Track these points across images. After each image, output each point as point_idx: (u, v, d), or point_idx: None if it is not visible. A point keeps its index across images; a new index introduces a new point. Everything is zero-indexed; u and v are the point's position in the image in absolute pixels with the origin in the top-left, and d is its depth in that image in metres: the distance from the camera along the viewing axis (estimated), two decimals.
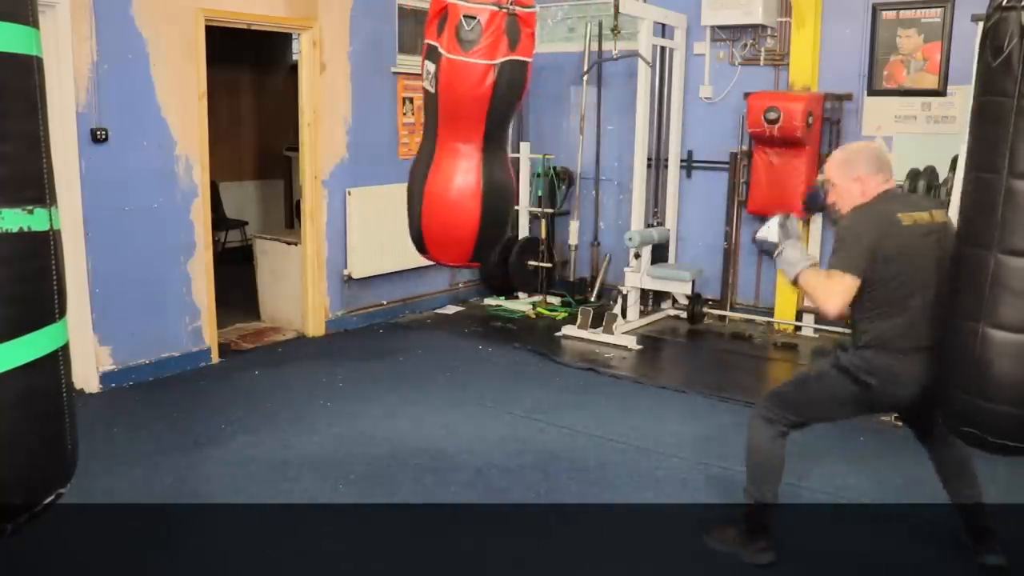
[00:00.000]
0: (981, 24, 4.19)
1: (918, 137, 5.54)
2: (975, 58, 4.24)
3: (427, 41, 3.96)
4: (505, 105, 4.03)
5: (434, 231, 4.12)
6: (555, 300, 6.78)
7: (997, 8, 2.41)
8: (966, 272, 2.51)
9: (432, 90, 3.96)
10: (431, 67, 3.92)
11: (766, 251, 2.95)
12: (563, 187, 6.90)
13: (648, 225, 6.34)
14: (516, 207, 4.66)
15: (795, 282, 2.83)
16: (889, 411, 2.92)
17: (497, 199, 4.19)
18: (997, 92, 2.39)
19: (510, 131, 4.28)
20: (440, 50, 3.89)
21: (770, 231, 2.91)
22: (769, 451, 2.93)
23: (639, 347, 5.64)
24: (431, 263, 6.58)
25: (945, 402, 2.65)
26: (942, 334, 2.64)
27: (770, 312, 6.16)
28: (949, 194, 4.40)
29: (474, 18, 3.78)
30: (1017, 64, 2.32)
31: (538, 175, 6.85)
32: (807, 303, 6.03)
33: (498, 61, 3.89)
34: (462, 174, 4.06)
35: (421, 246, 4.22)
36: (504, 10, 3.76)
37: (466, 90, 3.86)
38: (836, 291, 2.69)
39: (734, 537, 3.02)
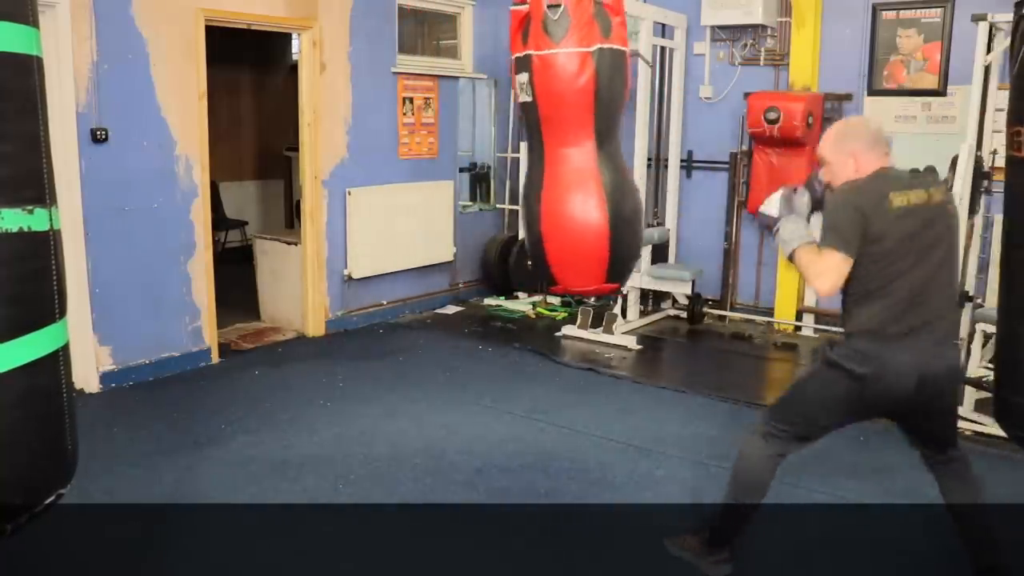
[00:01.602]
0: (981, 24, 4.21)
1: (918, 137, 5.54)
2: (975, 58, 4.26)
3: (513, 56, 3.73)
4: (611, 96, 3.68)
5: (562, 257, 3.72)
6: (555, 300, 6.78)
7: None
8: None
9: (529, 98, 3.66)
10: (523, 76, 3.67)
11: (765, 225, 2.84)
12: None
13: (648, 225, 6.33)
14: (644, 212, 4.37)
15: (791, 259, 2.70)
16: (888, 410, 2.73)
17: (624, 204, 3.75)
18: None
19: (620, 132, 3.90)
20: (531, 53, 3.62)
21: (771, 204, 2.81)
22: (758, 469, 2.77)
23: (639, 347, 5.64)
24: (431, 263, 6.63)
25: (1009, 412, 2.60)
26: (943, 321, 2.58)
27: (770, 312, 6.16)
28: (949, 193, 4.39)
29: (559, 5, 3.54)
30: None
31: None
32: (807, 303, 6.04)
33: (594, 48, 3.60)
34: (579, 183, 3.66)
35: (549, 276, 3.79)
36: None
37: (566, 85, 3.56)
38: (827, 269, 2.55)
39: (695, 545, 2.95)
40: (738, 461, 2.82)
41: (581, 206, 3.64)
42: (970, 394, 4.25)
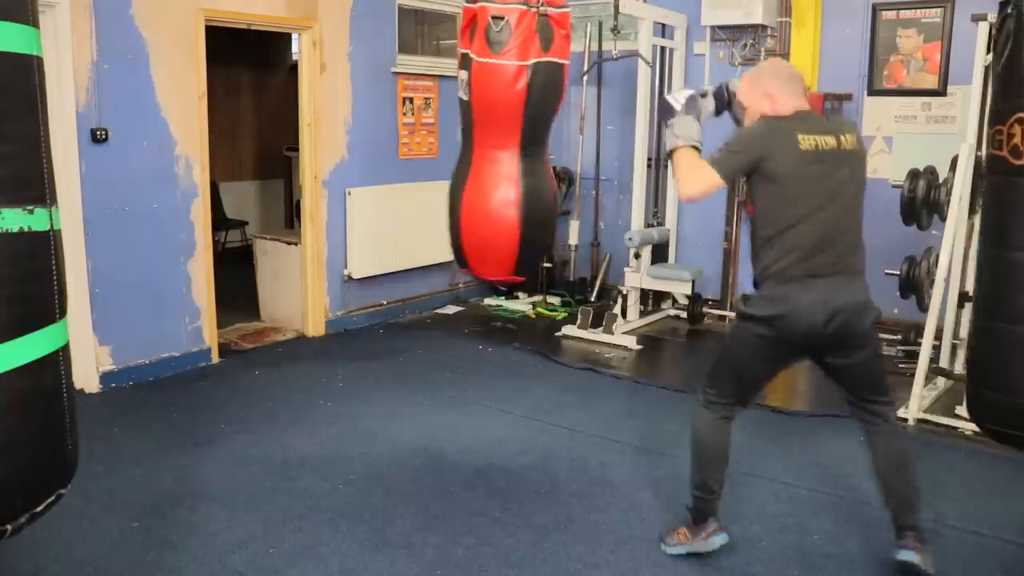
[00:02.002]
0: (981, 24, 4.21)
1: (918, 137, 5.54)
2: (975, 58, 4.27)
3: (460, 50, 3.88)
4: (541, 109, 3.90)
5: (474, 244, 3.98)
6: (555, 300, 6.78)
7: None
8: (1005, 276, 2.49)
9: (466, 97, 3.84)
10: (464, 74, 3.83)
11: (663, 112, 2.87)
12: (563, 187, 6.89)
13: (648, 225, 6.33)
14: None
15: (670, 154, 2.77)
16: (804, 349, 2.74)
17: (538, 208, 4.01)
18: None
19: (550, 137, 4.09)
20: (471, 55, 3.78)
21: (678, 98, 2.84)
22: (711, 437, 2.88)
23: (639, 347, 5.64)
24: (431, 263, 6.63)
25: (980, 404, 2.62)
26: (849, 261, 2.65)
27: None
28: (949, 194, 4.40)
29: (502, 18, 3.68)
30: None
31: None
32: None
33: (531, 62, 3.78)
34: (500, 183, 3.92)
35: (462, 259, 4.08)
36: (534, 10, 3.67)
37: (499, 93, 3.75)
38: (698, 180, 2.64)
39: (684, 535, 3.00)
40: (692, 435, 2.92)
41: (498, 205, 3.89)
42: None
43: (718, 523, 2.98)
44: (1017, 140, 2.48)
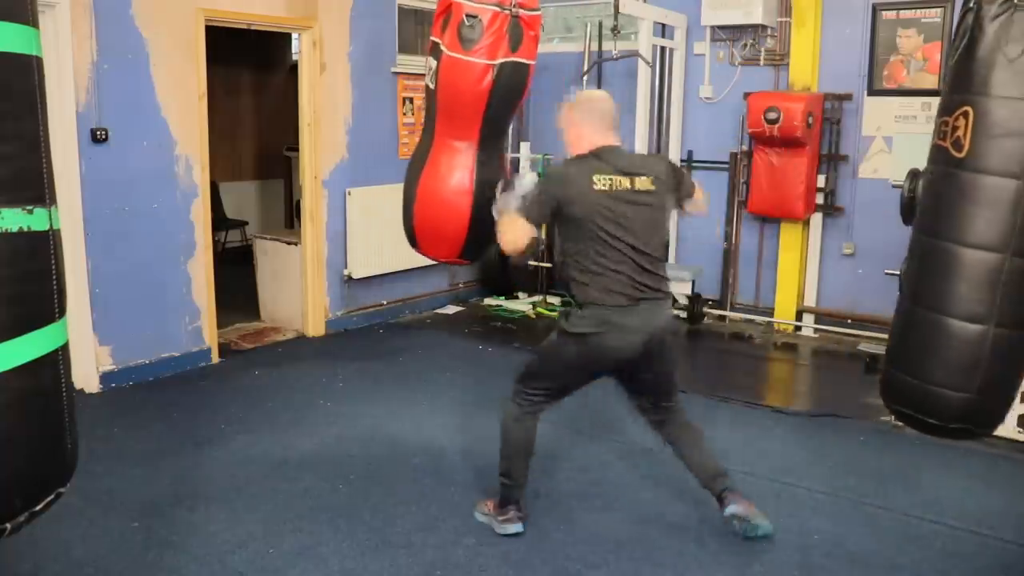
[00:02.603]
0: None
1: (918, 137, 5.53)
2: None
3: (431, 38, 3.96)
4: (503, 106, 4.05)
5: (425, 226, 4.14)
6: (555, 300, 6.78)
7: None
8: (932, 264, 2.54)
9: (432, 86, 3.96)
10: (433, 63, 3.93)
11: (504, 191, 3.15)
12: None
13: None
14: None
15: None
16: (617, 367, 3.00)
17: (489, 198, 4.22)
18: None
19: (508, 132, 4.29)
20: (442, 47, 3.89)
21: (522, 183, 3.11)
22: (517, 430, 3.08)
23: None
24: (431, 263, 6.62)
25: (893, 387, 2.69)
26: (657, 287, 2.92)
27: (770, 312, 6.16)
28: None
29: (476, 17, 3.78)
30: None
31: (538, 175, 6.84)
32: (806, 303, 6.04)
33: (498, 62, 3.90)
34: (456, 171, 4.06)
35: (412, 239, 4.23)
36: (507, 11, 3.76)
37: (464, 88, 3.86)
38: (509, 229, 2.91)
39: (489, 508, 3.22)
40: (502, 427, 3.11)
41: (452, 193, 4.03)
42: None
43: (519, 512, 3.16)
44: (960, 133, 2.52)
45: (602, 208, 2.83)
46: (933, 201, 2.73)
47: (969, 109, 2.50)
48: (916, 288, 2.78)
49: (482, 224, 4.26)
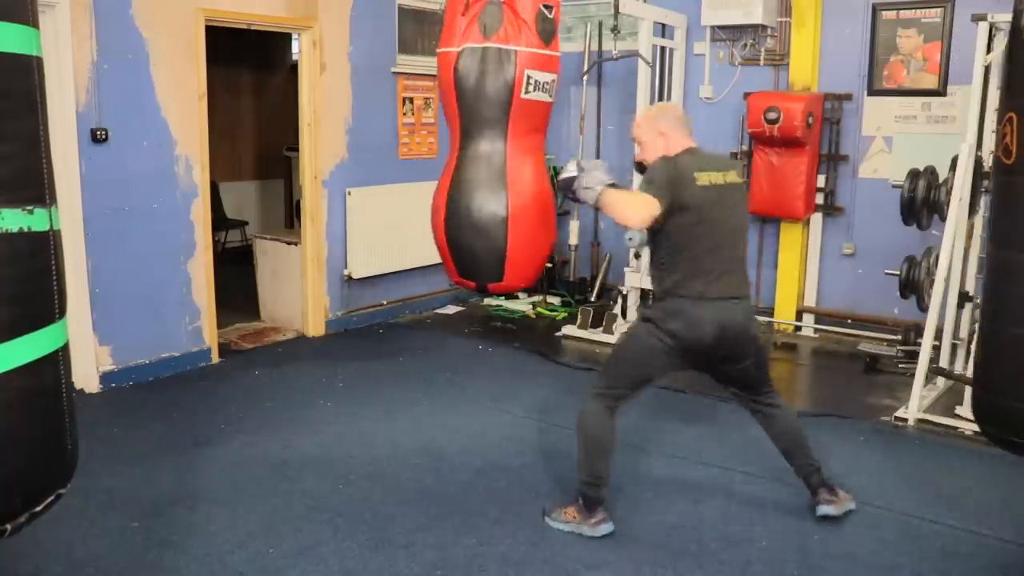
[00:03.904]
0: (981, 24, 4.21)
1: (918, 137, 5.54)
2: (975, 58, 4.27)
3: (549, 52, 4.08)
4: (474, 98, 4.15)
5: (524, 248, 4.10)
6: (555, 300, 6.78)
7: None
8: (999, 276, 2.49)
9: (551, 98, 4.10)
10: (555, 76, 4.08)
11: (569, 189, 3.02)
12: None
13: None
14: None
15: (596, 203, 2.95)
16: (697, 360, 3.09)
17: (462, 206, 4.19)
18: None
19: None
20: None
21: (570, 170, 3.04)
22: (598, 428, 3.08)
23: None
24: (431, 263, 6.63)
25: (987, 412, 2.62)
26: (738, 280, 3.05)
27: (770, 312, 6.16)
28: (949, 194, 4.40)
29: (551, 7, 3.97)
30: None
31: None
32: (806, 303, 6.04)
33: (462, 48, 4.07)
34: (445, 175, 4.20)
35: (495, 271, 4.12)
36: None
37: (440, 79, 4.18)
38: (640, 204, 2.88)
39: (572, 515, 3.17)
40: (582, 425, 3.12)
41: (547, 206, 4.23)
42: (969, 394, 4.24)
43: (606, 512, 3.15)
44: (1008, 140, 2.49)
45: (704, 202, 2.96)
46: (995, 212, 2.69)
47: (1013, 115, 2.46)
48: (991, 303, 2.71)
49: (461, 239, 4.15)
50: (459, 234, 4.10)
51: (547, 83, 4.06)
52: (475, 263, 4.14)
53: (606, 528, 3.13)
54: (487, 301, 6.86)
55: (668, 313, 3.00)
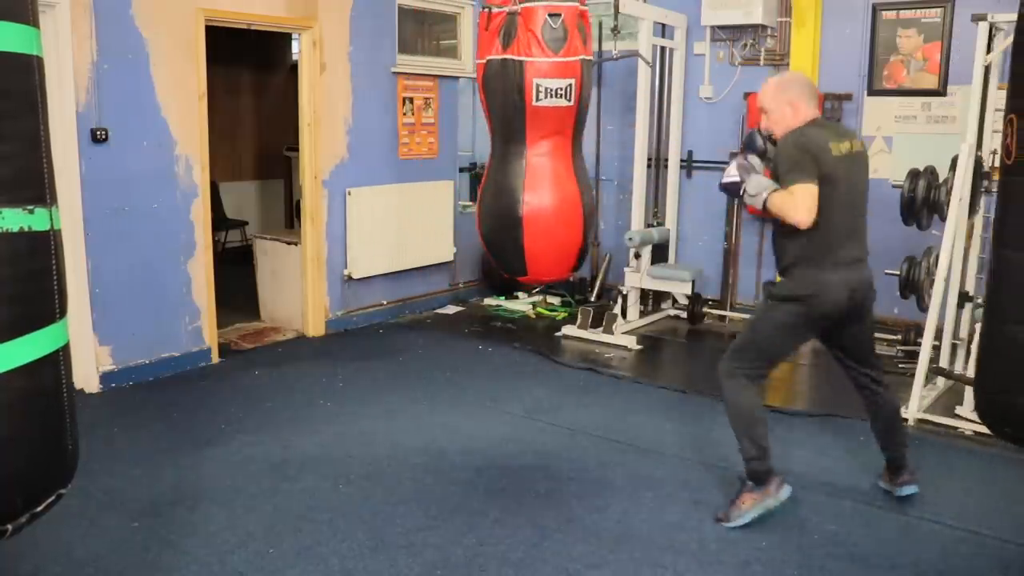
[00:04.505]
0: (981, 24, 4.20)
1: (918, 137, 5.54)
2: (975, 58, 4.26)
3: (580, 58, 4.13)
4: (491, 107, 4.62)
5: (557, 244, 4.56)
6: (555, 300, 6.78)
7: None
8: (998, 274, 2.50)
9: (571, 101, 4.30)
10: (570, 82, 4.19)
11: (733, 192, 3.18)
12: None
13: (648, 225, 6.33)
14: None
15: (764, 207, 3.05)
16: (829, 323, 3.17)
17: (489, 206, 4.95)
18: None
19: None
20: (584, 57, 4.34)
21: (731, 173, 3.16)
22: (748, 404, 3.16)
23: (639, 347, 5.64)
24: (431, 263, 6.65)
25: (1001, 411, 2.63)
26: (862, 245, 3.13)
27: None
28: (949, 194, 4.40)
29: (559, 15, 4.05)
30: None
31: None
32: None
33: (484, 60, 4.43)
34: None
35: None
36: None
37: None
38: (802, 201, 2.93)
39: (751, 499, 3.21)
40: (730, 407, 3.19)
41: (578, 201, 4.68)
42: (970, 394, 4.25)
43: (778, 476, 3.23)
44: (1008, 140, 2.50)
45: (840, 171, 3.01)
46: (998, 212, 2.70)
47: (1014, 117, 2.48)
48: (993, 303, 2.72)
49: (492, 238, 4.65)
50: (487, 230, 4.51)
51: (561, 89, 4.17)
52: (503, 256, 4.54)
53: (787, 490, 3.24)
54: (487, 301, 6.86)
55: (803, 284, 3.05)
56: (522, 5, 4.08)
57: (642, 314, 6.33)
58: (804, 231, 2.98)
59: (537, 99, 4.17)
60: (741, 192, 3.13)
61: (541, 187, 4.33)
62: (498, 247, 4.51)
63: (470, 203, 7.17)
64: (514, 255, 4.39)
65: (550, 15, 4.07)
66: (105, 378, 4.63)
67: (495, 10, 4.18)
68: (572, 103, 4.25)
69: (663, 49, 6.30)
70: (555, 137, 4.32)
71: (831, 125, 3.17)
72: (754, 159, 3.22)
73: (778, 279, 3.26)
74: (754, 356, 3.18)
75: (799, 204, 2.94)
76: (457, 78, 6.64)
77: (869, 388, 3.35)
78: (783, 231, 3.09)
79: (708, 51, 6.27)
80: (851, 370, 3.35)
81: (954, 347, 4.61)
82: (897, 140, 5.64)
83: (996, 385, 2.62)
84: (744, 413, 3.16)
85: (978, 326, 4.42)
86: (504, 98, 4.23)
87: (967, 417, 4.18)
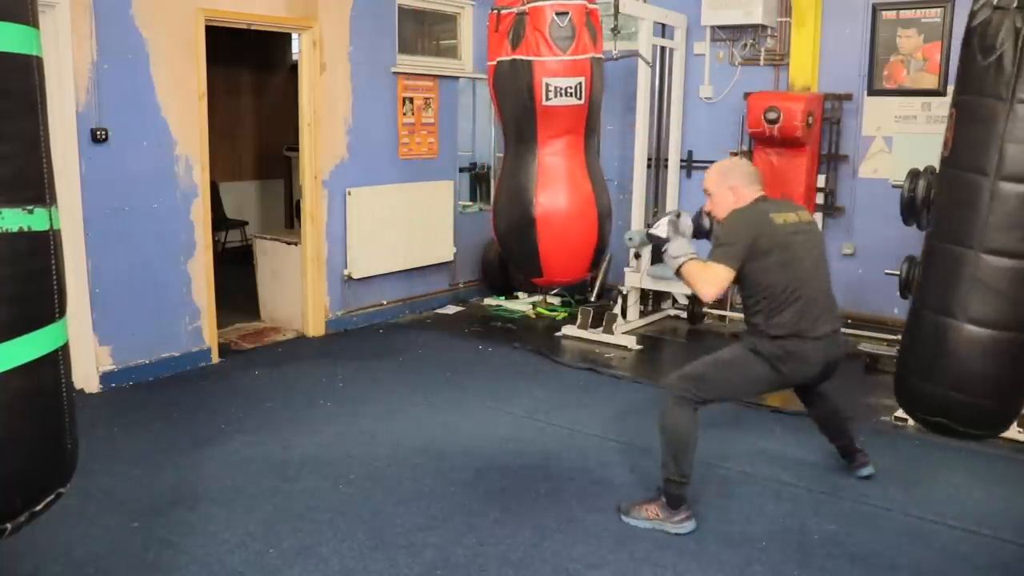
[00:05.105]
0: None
1: (918, 137, 5.54)
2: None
3: (591, 55, 4.13)
4: (502, 106, 4.44)
5: (570, 246, 4.44)
6: (555, 300, 6.78)
7: (986, 6, 2.43)
8: (940, 267, 2.54)
9: (583, 100, 4.22)
10: (580, 80, 4.16)
11: (656, 245, 3.34)
12: None
13: (648, 225, 6.32)
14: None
15: (678, 272, 3.18)
16: (794, 386, 3.41)
17: (502, 209, 4.68)
18: (987, 93, 2.40)
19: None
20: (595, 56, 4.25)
21: (661, 228, 3.31)
22: (687, 428, 3.15)
23: (639, 347, 5.64)
24: (431, 263, 6.64)
25: (911, 393, 2.69)
26: (834, 313, 3.23)
27: None
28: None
29: (566, 13, 4.08)
30: (1011, 67, 2.33)
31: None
32: None
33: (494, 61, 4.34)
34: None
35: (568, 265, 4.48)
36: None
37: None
38: (711, 279, 3.07)
39: (656, 512, 3.20)
40: (669, 426, 3.18)
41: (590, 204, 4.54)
42: None
43: (689, 511, 3.21)
44: (949, 133, 2.56)
45: (786, 240, 3.13)
46: (935, 201, 2.75)
47: (954, 110, 2.53)
48: (919, 290, 2.78)
49: (506, 239, 4.53)
50: (502, 232, 4.48)
51: (571, 88, 4.16)
52: (519, 258, 4.50)
53: (690, 525, 3.17)
54: (487, 301, 6.86)
55: (785, 352, 3.12)
56: (530, 5, 4.07)
57: (642, 314, 6.33)
58: (774, 308, 3.10)
59: (547, 98, 4.15)
60: (664, 249, 3.27)
61: (554, 187, 4.30)
62: (513, 249, 4.49)
63: (470, 203, 7.17)
64: (529, 257, 4.38)
65: (557, 14, 4.06)
66: (105, 378, 4.63)
67: (504, 11, 4.17)
68: (583, 101, 4.21)
69: (663, 49, 6.30)
70: (567, 136, 4.31)
71: (775, 201, 3.34)
72: (686, 221, 3.35)
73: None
74: (713, 393, 3.21)
75: (711, 279, 3.07)
76: (457, 78, 6.64)
77: (817, 395, 3.54)
78: (751, 302, 3.19)
79: (708, 51, 6.27)
80: (806, 390, 3.53)
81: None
82: (897, 140, 5.64)
83: (908, 369, 2.68)
84: (682, 438, 3.15)
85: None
86: (515, 99, 4.22)
87: None
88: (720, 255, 3.08)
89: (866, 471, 3.58)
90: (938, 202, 2.69)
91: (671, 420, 3.16)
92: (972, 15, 2.50)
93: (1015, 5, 2.35)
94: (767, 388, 3.36)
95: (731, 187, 3.26)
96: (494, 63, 4.30)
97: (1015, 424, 4.00)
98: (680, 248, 3.19)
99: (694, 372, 3.23)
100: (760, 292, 3.13)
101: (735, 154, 6.10)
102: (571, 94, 4.19)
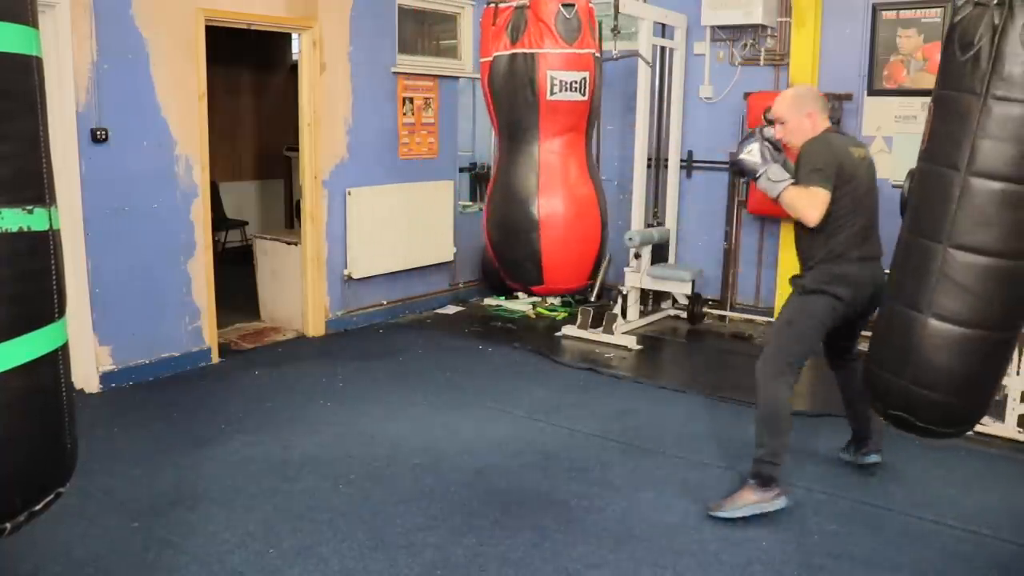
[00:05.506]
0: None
1: (918, 137, 5.50)
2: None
3: (592, 51, 4.09)
4: (498, 102, 4.32)
5: (573, 248, 4.33)
6: (555, 300, 6.78)
7: (968, 2, 2.44)
8: (912, 262, 2.54)
9: (586, 96, 4.13)
10: (584, 75, 4.10)
11: (745, 171, 3.30)
12: None
13: (648, 225, 6.33)
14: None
15: (777, 197, 3.19)
16: (851, 314, 3.32)
17: (498, 212, 4.48)
18: (963, 88, 2.40)
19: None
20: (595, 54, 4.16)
21: (752, 153, 3.26)
22: (786, 404, 3.23)
23: (639, 347, 5.64)
24: (431, 263, 6.64)
25: (876, 385, 2.69)
26: (879, 244, 3.28)
27: (770, 312, 6.16)
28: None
29: (572, 5, 4.03)
30: (986, 62, 2.33)
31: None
32: None
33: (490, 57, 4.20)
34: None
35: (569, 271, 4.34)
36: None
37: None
38: (815, 202, 3.11)
39: (751, 497, 3.25)
40: (767, 406, 3.25)
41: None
42: None
43: (783, 486, 3.29)
44: (927, 127, 2.57)
45: (860, 173, 3.22)
46: (913, 195, 2.77)
47: (932, 105, 2.55)
48: (893, 283, 2.80)
49: (503, 241, 4.35)
50: (498, 237, 4.31)
51: (576, 82, 4.07)
52: (517, 265, 4.30)
53: (784, 500, 3.26)
54: (487, 301, 6.86)
55: (835, 277, 3.20)
56: None
57: (642, 314, 6.33)
58: (834, 230, 3.17)
59: (551, 93, 3.99)
60: (757, 175, 3.23)
61: (556, 188, 4.13)
62: (510, 254, 4.27)
63: (470, 203, 7.18)
64: (529, 264, 4.20)
65: (564, 5, 3.99)
66: (105, 378, 4.63)
67: (502, 5, 4.08)
68: (586, 98, 4.11)
69: (663, 49, 6.30)
70: (569, 134, 4.15)
71: (845, 135, 3.39)
72: (771, 147, 3.29)
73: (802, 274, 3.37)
74: (799, 350, 3.27)
75: (816, 203, 3.10)
76: (457, 78, 6.64)
77: (843, 359, 3.57)
78: (812, 230, 3.21)
79: (708, 51, 6.27)
80: (832, 348, 3.54)
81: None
82: (897, 140, 5.63)
83: (874, 360, 2.68)
84: (780, 415, 3.22)
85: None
86: (514, 96, 4.07)
87: None
88: (817, 179, 3.10)
89: (873, 458, 3.61)
90: (913, 196, 2.70)
91: (771, 398, 3.23)
92: (955, 11, 2.51)
93: (995, 2, 2.35)
94: (831, 323, 3.29)
95: (808, 113, 3.27)
96: (489, 59, 4.16)
97: (1015, 424, 4.01)
98: (779, 173, 3.20)
99: (776, 346, 3.31)
100: (830, 216, 3.16)
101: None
102: (576, 89, 4.09)
